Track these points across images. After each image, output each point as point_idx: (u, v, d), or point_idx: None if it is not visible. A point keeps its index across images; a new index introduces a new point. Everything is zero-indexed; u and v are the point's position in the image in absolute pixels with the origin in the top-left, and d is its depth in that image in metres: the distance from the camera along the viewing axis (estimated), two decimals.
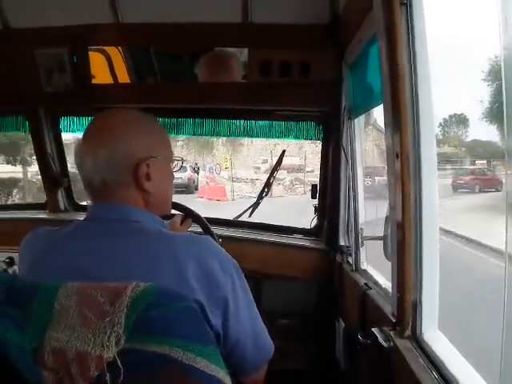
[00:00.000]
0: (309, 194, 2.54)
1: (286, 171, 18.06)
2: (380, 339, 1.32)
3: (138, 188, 1.13)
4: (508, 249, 0.82)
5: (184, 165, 1.40)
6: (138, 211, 1.13)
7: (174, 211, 1.97)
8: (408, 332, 1.26)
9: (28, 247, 1.16)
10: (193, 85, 2.41)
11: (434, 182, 1.26)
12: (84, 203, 2.86)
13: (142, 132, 1.15)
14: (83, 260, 1.04)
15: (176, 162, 1.28)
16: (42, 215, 2.76)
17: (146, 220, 1.13)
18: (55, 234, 1.16)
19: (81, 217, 2.65)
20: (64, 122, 2.64)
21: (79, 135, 1.18)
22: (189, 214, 2.03)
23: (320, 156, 2.50)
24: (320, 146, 2.49)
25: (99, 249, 1.05)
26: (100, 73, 2.47)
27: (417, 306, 1.25)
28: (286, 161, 2.77)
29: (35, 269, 1.10)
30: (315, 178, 2.80)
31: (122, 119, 1.16)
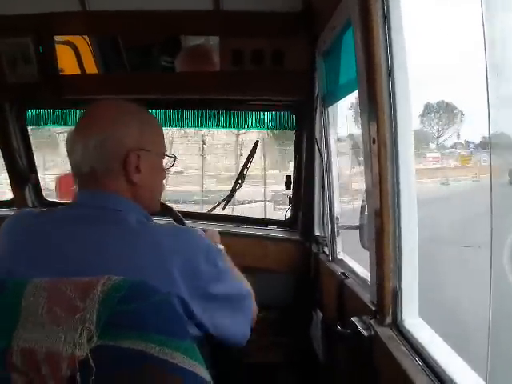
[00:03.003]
0: None
1: None
2: (360, 328, 1.31)
3: (126, 179, 1.13)
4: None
5: None
6: (123, 200, 1.13)
7: None
8: (388, 320, 1.25)
9: (6, 232, 1.13)
10: (163, 75, 2.36)
11: (411, 168, 1.25)
12: (53, 200, 2.78)
13: (135, 123, 1.15)
14: (65, 247, 1.02)
15: (168, 159, 1.28)
16: (9, 213, 2.66)
17: (130, 210, 1.11)
18: (37, 219, 1.13)
19: None
20: (30, 114, 2.56)
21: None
22: (162, 208, 2.00)
23: (294, 146, 2.48)
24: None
25: (82, 236, 1.04)
26: (67, 65, 2.40)
27: (397, 294, 1.24)
28: None
29: (16, 256, 1.06)
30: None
31: (115, 109, 1.17)
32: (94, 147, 1.09)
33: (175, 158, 1.30)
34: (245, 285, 1.29)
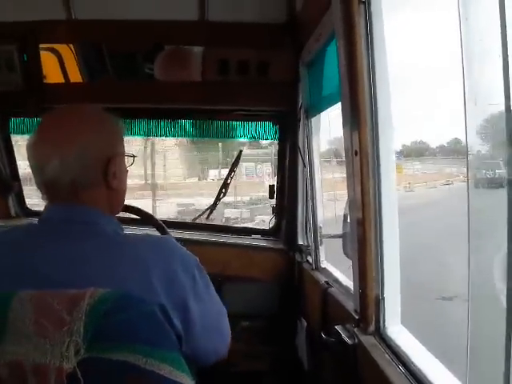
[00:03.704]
0: None
1: None
2: (344, 336, 1.33)
3: (106, 186, 1.09)
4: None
5: None
6: (99, 213, 1.09)
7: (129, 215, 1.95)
8: (372, 328, 1.27)
9: None
10: (148, 84, 2.37)
11: (392, 179, 1.28)
12: (36, 209, 2.76)
13: (107, 129, 1.12)
14: (42, 264, 0.98)
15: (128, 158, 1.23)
16: None
17: (106, 222, 1.09)
18: (7, 238, 1.09)
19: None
20: (14, 123, 2.54)
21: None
22: (144, 218, 2.00)
23: (277, 155, 2.51)
24: None
25: (60, 252, 1.00)
26: (51, 72, 2.39)
27: (379, 302, 1.27)
28: None
29: None
30: None
31: (85, 116, 1.12)
32: (74, 159, 1.04)
33: (134, 156, 1.25)
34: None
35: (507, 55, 0.67)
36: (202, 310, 1.08)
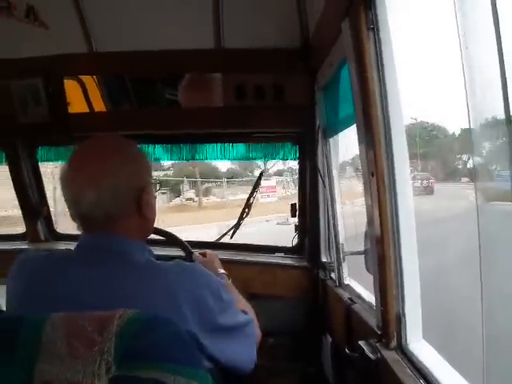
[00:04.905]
0: None
1: None
2: (367, 352, 1.34)
3: (139, 216, 1.13)
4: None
5: None
6: (132, 243, 1.13)
7: (156, 236, 2.00)
8: (394, 343, 1.29)
9: (15, 276, 1.13)
10: (169, 110, 2.43)
11: (409, 198, 1.31)
12: (64, 232, 2.84)
13: (137, 159, 1.16)
14: (75, 288, 1.04)
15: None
16: (22, 246, 2.73)
17: (137, 250, 1.13)
18: (45, 262, 1.14)
19: (62, 246, 2.65)
20: (41, 151, 2.65)
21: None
22: (170, 239, 2.05)
23: (298, 175, 2.54)
24: None
25: (92, 279, 1.05)
26: (75, 100, 2.46)
27: (400, 318, 1.29)
28: None
29: (26, 298, 1.07)
30: None
31: (117, 148, 1.14)
32: (108, 193, 1.07)
33: (159, 183, 1.28)
34: (248, 310, 1.31)
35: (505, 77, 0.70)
36: (230, 324, 1.13)
